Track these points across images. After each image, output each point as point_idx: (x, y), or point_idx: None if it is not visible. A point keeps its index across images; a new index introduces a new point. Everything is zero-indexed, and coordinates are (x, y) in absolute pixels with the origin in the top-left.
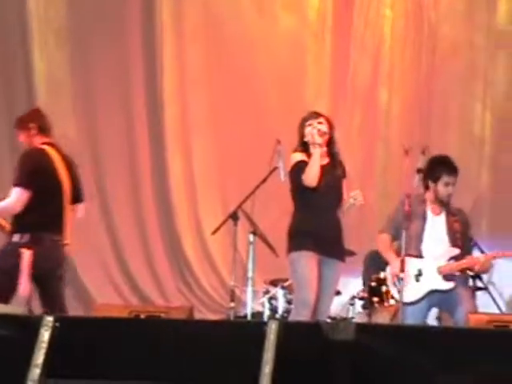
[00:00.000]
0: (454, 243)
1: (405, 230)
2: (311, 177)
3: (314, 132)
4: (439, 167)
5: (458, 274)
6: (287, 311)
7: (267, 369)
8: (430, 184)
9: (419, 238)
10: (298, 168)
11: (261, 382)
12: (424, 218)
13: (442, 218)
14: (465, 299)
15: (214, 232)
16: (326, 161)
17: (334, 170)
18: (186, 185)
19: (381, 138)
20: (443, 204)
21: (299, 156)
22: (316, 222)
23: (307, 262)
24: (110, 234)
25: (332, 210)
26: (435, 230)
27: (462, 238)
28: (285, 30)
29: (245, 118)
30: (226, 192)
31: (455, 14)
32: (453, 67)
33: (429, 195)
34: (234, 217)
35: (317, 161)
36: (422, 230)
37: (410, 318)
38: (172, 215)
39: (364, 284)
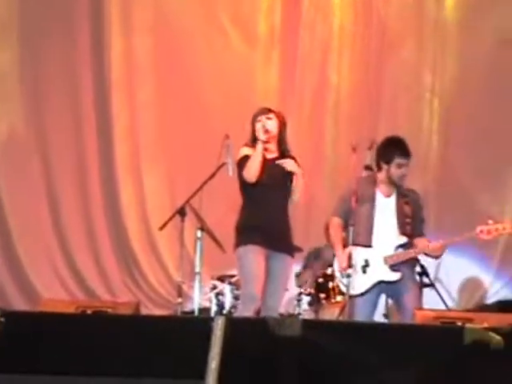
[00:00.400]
0: (402, 230)
1: (351, 226)
2: (251, 172)
3: (259, 128)
4: (392, 148)
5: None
6: (234, 307)
7: (214, 364)
8: (383, 165)
9: (369, 225)
10: (242, 163)
11: (207, 377)
12: (373, 200)
13: (392, 200)
14: (412, 291)
15: (162, 227)
16: (273, 155)
17: (282, 166)
18: (133, 179)
19: (329, 134)
20: (395, 186)
21: (245, 151)
22: (262, 216)
23: (254, 256)
24: (57, 229)
25: (278, 205)
26: (384, 214)
27: (412, 222)
28: (232, 31)
29: (193, 113)
30: (173, 187)
31: (404, 5)
32: (401, 60)
33: (380, 176)
34: (181, 212)
35: (257, 156)
36: (371, 215)
37: (361, 310)
38: (119, 210)
39: (299, 279)
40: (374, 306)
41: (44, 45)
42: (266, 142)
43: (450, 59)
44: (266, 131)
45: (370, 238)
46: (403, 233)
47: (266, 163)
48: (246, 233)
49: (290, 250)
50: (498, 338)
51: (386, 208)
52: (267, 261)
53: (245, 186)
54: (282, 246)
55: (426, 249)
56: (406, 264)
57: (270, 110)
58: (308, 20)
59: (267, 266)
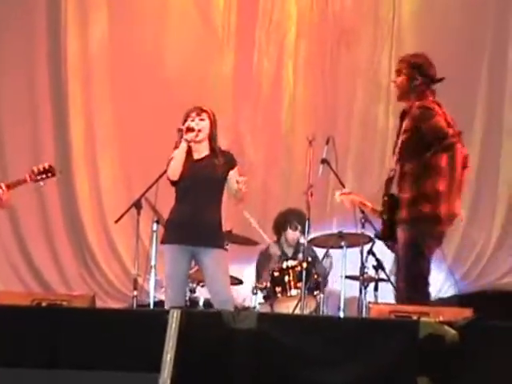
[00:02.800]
0: None
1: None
2: (172, 171)
3: (184, 126)
4: None
5: None
6: (190, 300)
7: (169, 357)
8: None
9: None
10: (169, 163)
11: (162, 370)
12: None
13: None
14: None
15: (118, 220)
16: (204, 154)
17: (212, 163)
18: (89, 172)
19: (285, 127)
20: None
21: (175, 153)
22: (188, 214)
23: (171, 256)
24: (12, 221)
25: (207, 202)
26: None
27: None
28: (190, 23)
29: (149, 107)
30: (129, 180)
31: (359, 5)
32: (357, 54)
33: None
34: (137, 205)
35: (179, 155)
36: None
37: None
38: (75, 203)
39: (257, 276)
40: None
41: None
42: (191, 141)
43: (405, 52)
44: (191, 129)
45: None
46: None
47: (195, 163)
48: (167, 231)
49: (218, 242)
50: (452, 331)
51: None
52: (197, 257)
53: (174, 184)
54: (211, 241)
55: None
56: None
57: (202, 110)
58: (265, 13)
59: (199, 263)
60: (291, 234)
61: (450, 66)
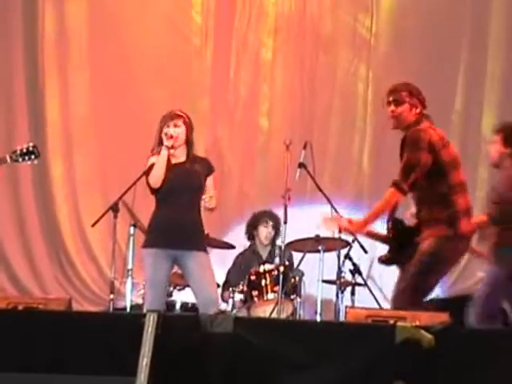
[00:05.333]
0: None
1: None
2: (154, 179)
3: (163, 134)
4: None
5: None
6: (167, 303)
7: (145, 361)
8: None
9: None
10: (149, 171)
11: (139, 373)
12: None
13: None
14: None
15: (94, 224)
16: (181, 159)
17: (189, 168)
18: (66, 175)
19: (262, 133)
20: None
21: (153, 159)
22: (168, 218)
23: (152, 261)
24: None
25: (186, 207)
26: None
27: None
28: (169, 24)
29: (126, 109)
30: (106, 183)
31: (336, 6)
32: (335, 60)
33: None
34: (114, 209)
35: (161, 164)
36: None
37: None
38: (52, 206)
39: (227, 278)
40: None
41: None
42: (171, 148)
43: (382, 59)
44: (170, 137)
45: None
46: None
47: (174, 168)
48: (150, 235)
49: (199, 246)
50: (429, 336)
51: None
52: (180, 261)
53: (154, 191)
54: (190, 244)
55: None
56: None
57: (178, 116)
58: (242, 18)
59: (182, 267)
60: (263, 231)
61: (425, 73)
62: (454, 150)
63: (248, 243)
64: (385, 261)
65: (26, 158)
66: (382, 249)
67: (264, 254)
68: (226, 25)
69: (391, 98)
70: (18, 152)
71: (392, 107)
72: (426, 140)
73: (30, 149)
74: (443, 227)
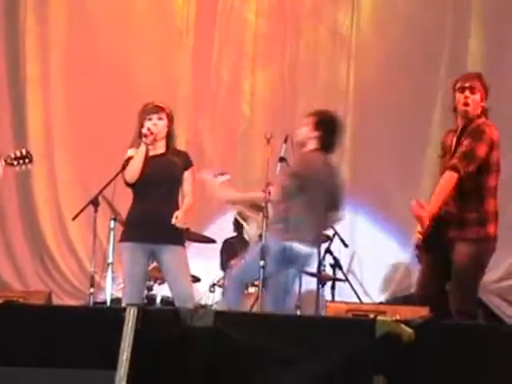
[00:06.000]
0: None
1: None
2: (130, 174)
3: (145, 130)
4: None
5: None
6: (147, 297)
7: (125, 355)
8: None
9: None
10: (126, 164)
11: (119, 367)
12: None
13: None
14: None
15: (75, 217)
16: (159, 151)
17: (167, 160)
18: (46, 169)
19: (243, 126)
20: None
21: (130, 152)
22: (146, 212)
23: (129, 254)
24: None
25: (164, 200)
26: None
27: None
28: (148, 21)
29: (106, 103)
30: (86, 177)
31: (316, 7)
32: (316, 58)
33: None
34: (94, 202)
35: (138, 159)
36: None
37: None
38: (32, 199)
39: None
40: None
41: None
42: (150, 144)
43: (364, 57)
44: (151, 133)
45: None
46: None
47: (151, 160)
48: (127, 229)
49: (177, 239)
50: (409, 330)
51: None
52: (157, 255)
53: (130, 185)
54: (171, 238)
55: None
56: None
57: (161, 108)
58: (224, 12)
59: (159, 260)
60: (250, 229)
61: (406, 67)
62: (500, 155)
63: (231, 235)
64: (420, 248)
65: (21, 161)
66: (363, 244)
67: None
68: (208, 19)
69: (467, 85)
70: (13, 156)
71: (467, 93)
72: (490, 136)
73: (24, 153)
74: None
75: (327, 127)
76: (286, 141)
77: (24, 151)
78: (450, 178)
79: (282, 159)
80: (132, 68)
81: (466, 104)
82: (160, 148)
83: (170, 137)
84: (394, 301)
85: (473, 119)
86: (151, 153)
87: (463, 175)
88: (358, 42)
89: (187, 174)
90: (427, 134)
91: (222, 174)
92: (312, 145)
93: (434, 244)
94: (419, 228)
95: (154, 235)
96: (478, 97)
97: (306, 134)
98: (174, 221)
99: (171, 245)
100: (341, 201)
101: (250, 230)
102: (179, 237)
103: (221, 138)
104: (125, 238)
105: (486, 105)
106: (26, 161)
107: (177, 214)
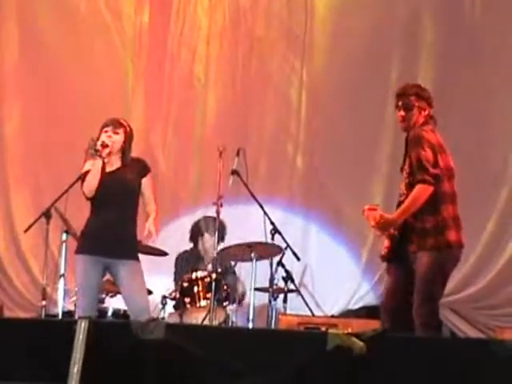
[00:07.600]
0: None
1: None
2: (88, 188)
3: (100, 142)
4: None
5: None
6: (99, 310)
7: (76, 368)
8: None
9: None
10: (83, 178)
11: (69, 381)
12: None
13: None
14: None
15: (27, 230)
16: (115, 167)
17: (122, 176)
18: None
19: (196, 140)
20: None
21: (88, 166)
22: (100, 226)
23: (83, 267)
24: None
25: (119, 214)
26: None
27: None
28: (101, 33)
29: (61, 114)
30: (39, 190)
31: (271, 13)
32: (269, 69)
33: None
34: (46, 215)
35: (95, 173)
36: None
37: None
38: None
39: (176, 284)
40: None
41: None
42: (105, 157)
43: (318, 66)
44: (106, 146)
45: None
46: None
47: (108, 176)
48: (82, 241)
49: (131, 254)
50: (360, 343)
51: None
52: (112, 269)
53: (89, 199)
54: (126, 253)
55: None
56: None
57: (119, 124)
58: (176, 25)
59: (114, 274)
60: (209, 240)
61: (360, 80)
62: (450, 159)
63: (184, 248)
64: (386, 258)
65: None
66: (315, 256)
67: (207, 259)
68: (161, 31)
69: (400, 103)
70: None
71: (401, 112)
72: (427, 139)
73: None
74: (432, 237)
75: None
76: (238, 154)
77: None
78: (424, 190)
79: (234, 172)
80: (84, 81)
81: (401, 121)
82: (115, 163)
83: (125, 152)
84: (346, 314)
85: (410, 130)
86: (108, 168)
87: (433, 181)
88: (311, 51)
89: (145, 181)
90: (379, 148)
91: None
92: None
93: (399, 255)
94: (386, 243)
95: (109, 249)
96: (413, 111)
97: None
98: (153, 237)
99: (127, 259)
100: None
101: (207, 243)
102: (133, 251)
103: (173, 152)
104: (80, 250)
105: (430, 112)
106: None
107: (148, 228)
